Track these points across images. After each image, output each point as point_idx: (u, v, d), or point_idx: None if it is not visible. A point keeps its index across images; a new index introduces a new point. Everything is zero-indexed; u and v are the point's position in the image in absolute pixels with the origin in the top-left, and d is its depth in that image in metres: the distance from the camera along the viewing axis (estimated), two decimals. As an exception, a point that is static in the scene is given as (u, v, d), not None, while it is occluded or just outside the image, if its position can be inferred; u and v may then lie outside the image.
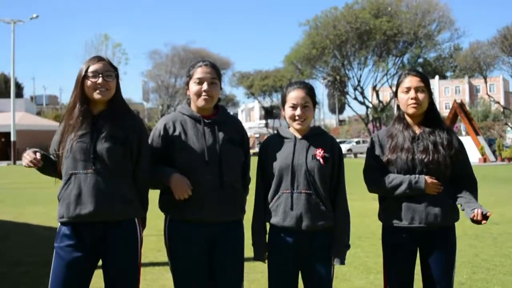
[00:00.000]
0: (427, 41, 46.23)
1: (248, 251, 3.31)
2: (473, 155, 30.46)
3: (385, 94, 63.37)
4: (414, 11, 44.99)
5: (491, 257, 6.64)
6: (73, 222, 2.98)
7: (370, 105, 50.26)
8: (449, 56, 58.79)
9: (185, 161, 3.15)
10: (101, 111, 3.11)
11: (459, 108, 32.24)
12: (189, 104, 3.34)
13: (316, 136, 3.33)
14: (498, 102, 53.21)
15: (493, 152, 32.27)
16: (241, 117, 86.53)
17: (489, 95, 50.73)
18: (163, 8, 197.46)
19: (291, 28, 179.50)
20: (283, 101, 3.37)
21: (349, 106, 54.22)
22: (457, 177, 3.34)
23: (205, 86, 3.21)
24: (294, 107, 3.27)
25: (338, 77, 50.54)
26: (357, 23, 43.73)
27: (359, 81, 48.81)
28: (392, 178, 3.29)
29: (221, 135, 3.22)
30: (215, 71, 3.29)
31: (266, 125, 66.28)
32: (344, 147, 48.53)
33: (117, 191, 3.03)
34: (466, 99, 72.50)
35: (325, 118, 77.05)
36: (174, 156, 3.17)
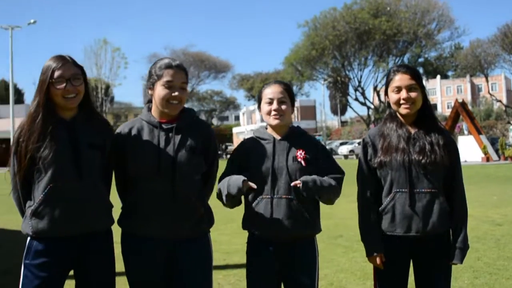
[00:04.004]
0: (427, 41, 46.23)
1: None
2: (476, 154, 30.25)
3: (387, 95, 63.19)
4: (413, 10, 45.05)
5: (494, 260, 6.40)
6: (55, 237, 2.78)
7: (372, 106, 50.14)
8: (450, 56, 58.60)
9: (136, 170, 2.93)
10: (75, 116, 2.91)
11: (461, 108, 32.00)
12: (149, 108, 3.09)
13: (296, 137, 3.10)
14: (500, 101, 52.90)
15: (496, 151, 32.07)
16: (242, 119, 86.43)
17: (491, 94, 50.46)
18: (162, 11, 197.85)
19: (290, 29, 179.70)
20: (259, 99, 3.16)
21: (350, 107, 54.05)
22: (448, 185, 3.10)
23: (176, 92, 2.95)
24: (270, 102, 3.06)
25: (339, 78, 50.49)
26: (356, 23, 43.77)
27: (359, 82, 48.87)
28: (370, 221, 3.10)
29: (179, 141, 2.96)
30: (186, 74, 3.05)
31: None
32: (346, 148, 48.40)
33: (102, 201, 2.94)
34: (468, 98, 72.30)
35: (326, 119, 76.90)
36: (126, 164, 2.96)
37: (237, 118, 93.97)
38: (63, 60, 2.86)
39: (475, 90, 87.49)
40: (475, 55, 45.92)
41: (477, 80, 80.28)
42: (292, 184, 2.90)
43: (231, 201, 2.96)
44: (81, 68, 2.92)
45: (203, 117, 77.96)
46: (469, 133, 32.34)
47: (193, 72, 62.70)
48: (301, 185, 2.86)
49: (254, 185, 2.86)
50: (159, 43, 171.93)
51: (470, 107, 39.36)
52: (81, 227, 2.81)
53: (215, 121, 79.76)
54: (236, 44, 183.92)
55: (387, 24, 43.19)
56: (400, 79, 3.09)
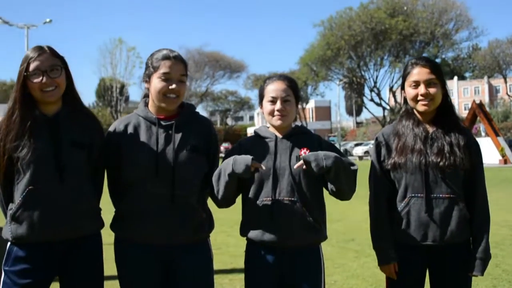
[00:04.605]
0: (444, 41, 45.75)
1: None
2: (493, 157, 29.72)
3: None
4: (430, 10, 44.67)
5: (513, 267, 6.08)
6: (35, 243, 2.58)
7: (387, 107, 49.78)
8: (467, 57, 58.00)
9: (131, 171, 2.69)
10: (58, 112, 2.69)
11: (478, 109, 31.47)
12: (146, 103, 2.87)
13: (300, 135, 2.86)
14: (519, 102, 52.06)
15: (514, 153, 31.47)
16: (257, 120, 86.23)
17: (509, 95, 49.72)
18: (177, 11, 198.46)
19: (306, 29, 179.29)
20: (261, 96, 2.91)
21: (366, 107, 53.71)
22: (469, 190, 2.84)
23: (173, 85, 2.72)
24: (273, 100, 2.81)
25: (354, 79, 50.21)
26: (372, 23, 43.44)
27: (375, 82, 48.48)
28: (383, 227, 2.88)
29: (179, 140, 2.73)
30: (185, 66, 2.82)
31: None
32: (361, 149, 48.08)
33: (87, 204, 2.69)
34: (486, 100, 71.30)
35: (342, 120, 76.43)
36: (121, 165, 2.73)
37: (251, 118, 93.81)
38: (39, 51, 2.64)
39: (492, 91, 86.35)
40: (493, 56, 45.41)
41: (494, 81, 79.32)
42: (295, 167, 2.66)
43: (230, 185, 2.68)
44: (61, 59, 2.70)
45: (217, 117, 77.88)
46: (487, 134, 31.79)
47: (208, 71, 62.66)
48: (301, 164, 2.63)
49: (263, 166, 2.65)
50: (174, 42, 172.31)
51: (487, 109, 38.78)
52: (63, 233, 2.60)
53: (229, 121, 79.61)
54: (251, 44, 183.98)
55: (403, 24, 42.82)
56: (419, 72, 2.83)
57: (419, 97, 2.83)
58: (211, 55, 60.00)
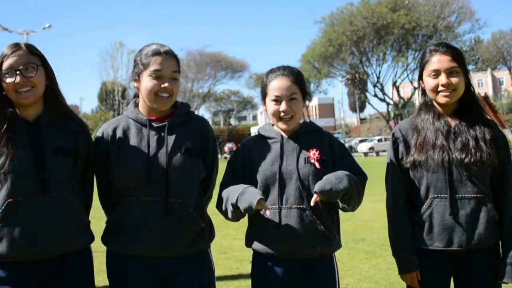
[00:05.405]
0: (447, 34, 45.46)
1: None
2: (500, 149, 29.54)
3: (406, 90, 62.59)
4: (432, 3, 44.45)
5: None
6: (17, 262, 2.32)
7: (391, 102, 49.56)
8: (470, 49, 57.78)
9: (122, 178, 2.46)
10: (39, 116, 2.44)
11: (483, 101, 30.84)
12: (136, 104, 2.63)
13: (308, 134, 2.60)
14: (524, 94, 51.78)
15: (521, 145, 31.27)
16: (260, 119, 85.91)
17: (514, 87, 49.44)
18: (177, 13, 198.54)
19: (307, 26, 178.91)
20: (264, 93, 2.65)
21: (369, 103, 53.50)
22: (496, 189, 2.57)
23: (165, 83, 2.49)
24: (277, 100, 2.55)
25: (357, 75, 50.00)
26: (374, 18, 43.23)
27: (378, 78, 48.23)
28: (404, 232, 2.61)
29: (173, 143, 2.49)
30: (177, 62, 2.59)
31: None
32: (365, 146, 47.89)
33: (74, 217, 2.43)
34: (490, 92, 70.97)
35: (345, 117, 76.14)
36: (110, 172, 2.49)
37: (254, 117, 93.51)
38: (14, 48, 2.39)
39: (496, 83, 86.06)
40: (497, 47, 45.19)
41: (498, 73, 79.08)
42: (312, 203, 2.40)
43: (235, 212, 2.49)
44: (39, 56, 2.45)
45: (220, 117, 77.75)
46: (493, 127, 31.58)
47: (210, 72, 62.65)
48: (318, 198, 2.39)
49: (268, 212, 2.39)
50: (175, 44, 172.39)
51: (492, 101, 38.57)
52: (47, 250, 2.34)
53: (233, 121, 79.45)
54: (252, 43, 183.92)
55: (405, 18, 42.58)
56: (439, 60, 2.57)
57: (440, 88, 2.56)
58: (213, 56, 59.86)
